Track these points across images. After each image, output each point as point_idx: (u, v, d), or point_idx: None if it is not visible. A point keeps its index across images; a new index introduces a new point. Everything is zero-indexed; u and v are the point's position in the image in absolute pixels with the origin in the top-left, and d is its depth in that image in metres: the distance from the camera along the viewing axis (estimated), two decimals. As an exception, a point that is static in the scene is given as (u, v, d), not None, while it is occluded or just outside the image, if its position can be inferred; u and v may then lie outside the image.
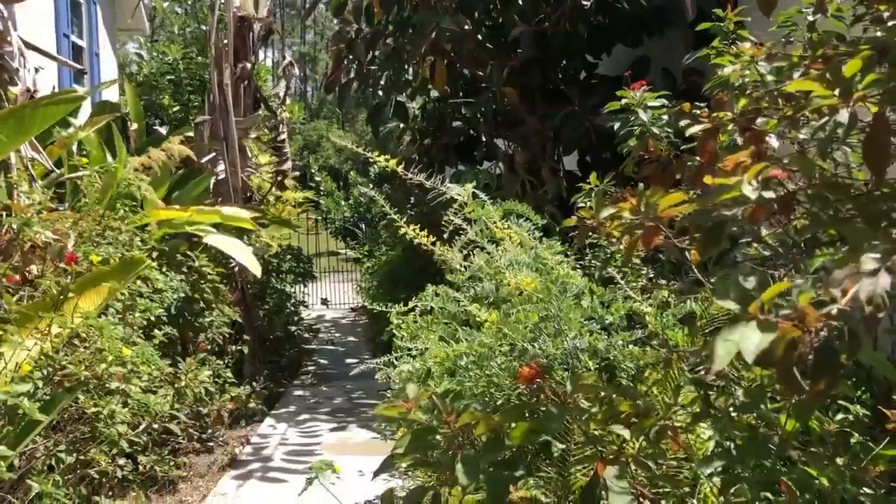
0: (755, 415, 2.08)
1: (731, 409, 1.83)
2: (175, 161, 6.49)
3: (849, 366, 2.75)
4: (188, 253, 5.88)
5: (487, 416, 1.50)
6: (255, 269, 6.10)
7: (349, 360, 8.97)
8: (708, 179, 1.70)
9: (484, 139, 8.73)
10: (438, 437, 1.55)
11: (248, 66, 8.21)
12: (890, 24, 1.59)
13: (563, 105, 7.33)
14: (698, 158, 1.84)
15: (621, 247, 2.45)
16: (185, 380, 4.60)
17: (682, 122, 1.76)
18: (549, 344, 3.03)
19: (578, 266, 3.66)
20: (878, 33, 1.78)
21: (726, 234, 1.41)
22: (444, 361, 3.14)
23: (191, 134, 8.02)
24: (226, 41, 7.76)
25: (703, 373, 1.99)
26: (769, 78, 2.02)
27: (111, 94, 10.80)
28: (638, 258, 3.84)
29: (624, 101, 3.15)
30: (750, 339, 1.03)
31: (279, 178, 8.74)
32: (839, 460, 1.92)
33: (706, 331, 2.63)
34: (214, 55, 7.74)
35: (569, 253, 3.73)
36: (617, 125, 3.29)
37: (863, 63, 1.29)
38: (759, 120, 1.73)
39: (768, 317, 1.05)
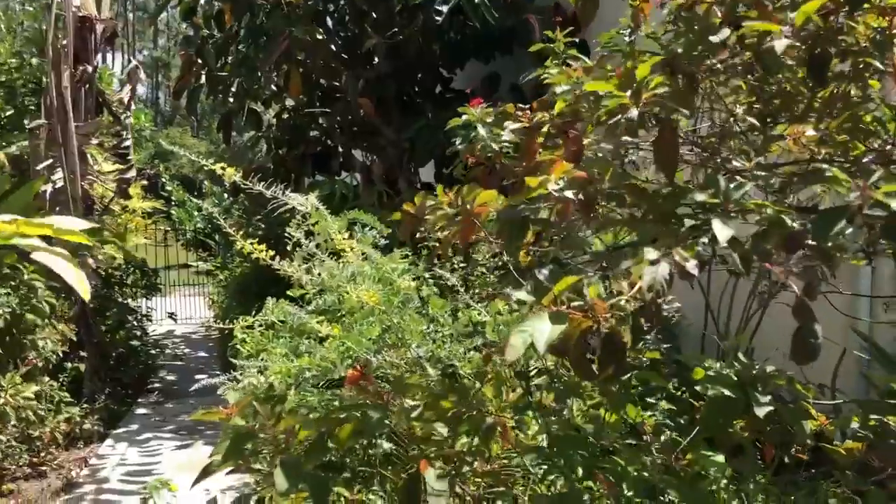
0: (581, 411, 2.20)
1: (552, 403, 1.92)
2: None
3: (670, 365, 2.96)
4: (17, 266, 5.49)
5: (307, 420, 1.51)
6: (84, 291, 5.75)
7: (198, 376, 8.64)
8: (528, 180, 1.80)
9: (341, 150, 8.69)
10: (261, 442, 1.54)
11: (90, 68, 7.80)
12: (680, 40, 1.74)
13: (419, 117, 7.44)
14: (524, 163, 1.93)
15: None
16: (5, 397, 4.27)
17: (505, 123, 1.85)
18: (392, 354, 3.06)
19: (429, 276, 3.71)
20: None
21: (528, 228, 1.49)
22: (286, 377, 3.10)
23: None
24: (65, 42, 7.33)
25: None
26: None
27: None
28: (484, 267, 3.95)
29: (465, 117, 3.26)
30: (542, 330, 1.10)
31: (124, 187, 8.33)
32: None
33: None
34: (52, 56, 7.29)
35: (417, 263, 3.78)
36: (458, 140, 3.40)
37: (650, 69, 1.40)
38: (579, 125, 1.84)
39: (561, 308, 1.13)
